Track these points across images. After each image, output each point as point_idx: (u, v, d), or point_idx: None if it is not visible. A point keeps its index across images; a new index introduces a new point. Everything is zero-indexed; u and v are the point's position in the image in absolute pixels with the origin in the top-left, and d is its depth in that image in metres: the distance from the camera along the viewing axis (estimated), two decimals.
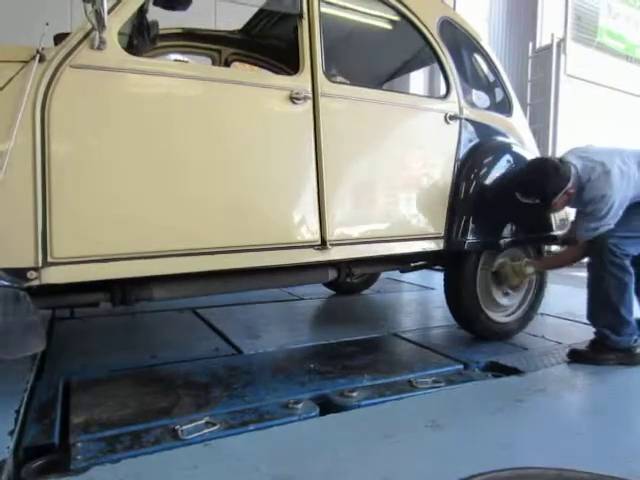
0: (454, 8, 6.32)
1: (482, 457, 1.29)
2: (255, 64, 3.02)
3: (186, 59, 2.82)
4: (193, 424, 1.42)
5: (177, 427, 1.39)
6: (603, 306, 2.15)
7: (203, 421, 1.44)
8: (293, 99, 1.85)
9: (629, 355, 2.13)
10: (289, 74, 1.98)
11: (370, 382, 1.83)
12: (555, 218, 2.61)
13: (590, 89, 8.04)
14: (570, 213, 2.62)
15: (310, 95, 1.89)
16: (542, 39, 7.87)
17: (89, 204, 1.49)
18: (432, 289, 3.81)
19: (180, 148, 1.65)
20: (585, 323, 2.33)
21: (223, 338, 2.40)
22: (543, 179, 2.15)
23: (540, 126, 7.42)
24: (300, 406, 1.57)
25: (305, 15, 1.92)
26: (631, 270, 2.13)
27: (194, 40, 2.86)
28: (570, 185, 2.13)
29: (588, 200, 2.14)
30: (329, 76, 1.98)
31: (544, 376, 1.98)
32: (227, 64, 2.96)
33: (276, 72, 2.93)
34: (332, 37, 2.17)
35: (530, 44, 7.76)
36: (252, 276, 1.94)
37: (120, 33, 1.60)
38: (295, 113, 1.87)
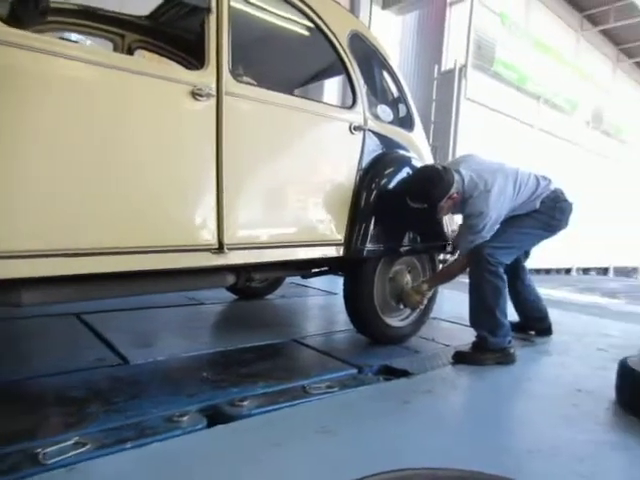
0: (369, 27, 6.53)
1: (369, 460, 1.31)
2: (160, 54, 2.86)
3: (89, 41, 2.60)
4: (58, 446, 1.27)
5: (39, 451, 1.23)
6: (482, 310, 2.33)
7: (71, 442, 1.29)
8: (196, 95, 1.76)
9: (505, 355, 2.31)
10: (194, 68, 1.89)
11: (263, 390, 1.79)
12: (448, 229, 2.78)
13: (486, 113, 8.77)
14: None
15: (214, 92, 1.81)
16: (447, 63, 8.44)
17: None
18: (336, 294, 3.87)
19: (65, 139, 1.48)
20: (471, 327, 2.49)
21: (109, 347, 2.21)
22: (429, 185, 2.29)
23: (442, 143, 7.93)
24: (186, 419, 1.48)
25: (214, 10, 1.84)
26: (505, 277, 2.34)
27: (95, 20, 2.63)
28: (453, 191, 2.30)
29: (468, 214, 2.33)
30: (235, 75, 1.92)
31: (431, 377, 2.07)
32: (130, 51, 2.78)
33: (182, 64, 2.80)
34: (242, 36, 2.11)
35: (436, 67, 8.28)
36: (143, 280, 1.82)
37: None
38: (197, 110, 1.78)
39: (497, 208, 2.30)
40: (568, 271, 11.72)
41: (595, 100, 11.96)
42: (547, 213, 2.43)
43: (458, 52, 8.38)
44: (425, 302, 2.62)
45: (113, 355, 2.12)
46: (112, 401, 1.62)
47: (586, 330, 3.19)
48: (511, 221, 2.42)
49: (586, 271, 12.59)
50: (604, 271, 13.52)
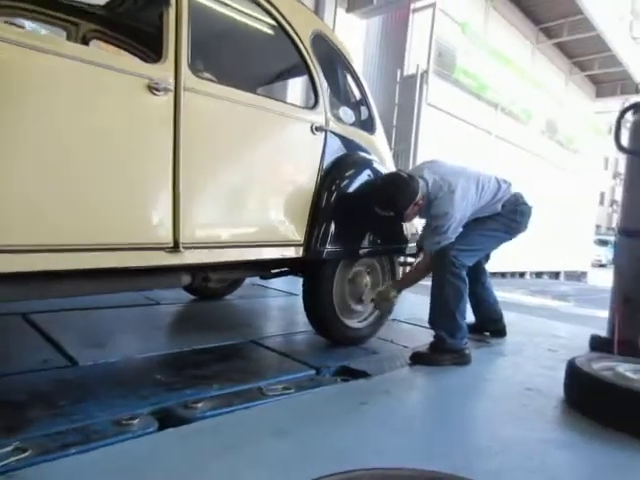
0: (333, 30, 6.56)
1: (324, 461, 1.30)
2: (117, 45, 2.77)
3: (43, 31, 2.49)
4: None
5: None
6: (442, 312, 2.37)
7: (11, 447, 1.22)
8: (152, 89, 1.70)
9: (461, 355, 2.36)
10: (152, 62, 1.83)
11: (218, 392, 1.76)
12: (408, 231, 2.82)
13: (447, 119, 8.98)
14: (419, 226, 2.86)
15: (172, 87, 1.76)
16: (409, 68, 8.59)
17: None
18: (296, 295, 3.85)
19: (9, 131, 1.40)
20: (429, 328, 2.52)
21: (56, 348, 2.12)
22: (395, 195, 2.32)
23: (404, 147, 8.06)
24: (136, 422, 1.43)
25: (172, 2, 1.80)
26: (467, 280, 2.39)
27: (48, 7, 2.52)
28: (419, 197, 2.34)
29: (433, 215, 2.36)
30: (195, 70, 1.88)
31: (389, 378, 2.09)
32: (85, 41, 2.67)
33: (139, 57, 2.72)
34: (203, 31, 2.07)
35: (398, 71, 8.41)
36: (95, 279, 1.75)
37: None
38: (153, 104, 1.73)
39: (461, 209, 2.34)
40: (522, 275, 12.15)
41: (549, 111, 12.46)
42: (508, 216, 2.50)
43: (420, 58, 8.54)
44: (396, 302, 2.65)
45: (61, 356, 2.03)
46: (57, 404, 1.55)
47: (538, 331, 3.30)
48: (474, 224, 2.48)
49: (539, 275, 13.10)
50: (556, 275, 14.10)
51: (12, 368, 1.84)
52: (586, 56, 13.98)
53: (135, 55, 2.81)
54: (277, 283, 4.29)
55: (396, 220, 2.56)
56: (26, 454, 1.22)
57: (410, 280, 2.63)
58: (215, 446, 1.37)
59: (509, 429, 1.64)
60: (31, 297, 1.69)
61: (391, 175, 2.49)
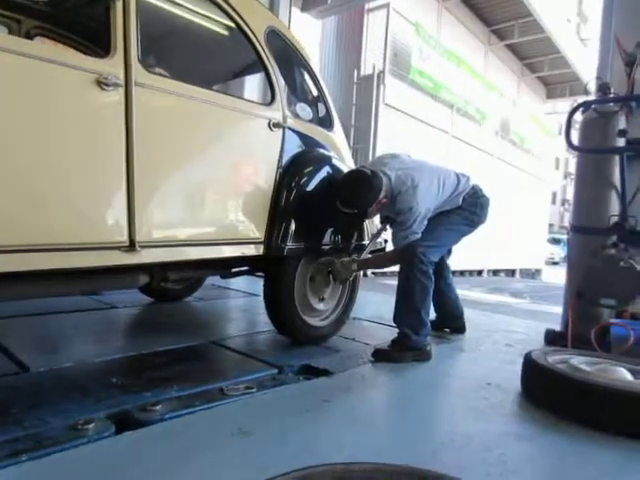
0: (288, 28, 6.56)
1: (287, 459, 1.29)
2: (62, 42, 2.67)
3: None
4: None
5: None
6: (408, 308, 2.39)
7: None
8: (102, 84, 1.65)
9: (422, 352, 2.39)
10: (99, 57, 1.78)
11: (178, 393, 1.72)
12: (368, 230, 2.85)
13: (404, 118, 9.13)
14: (378, 226, 2.90)
15: (122, 82, 1.71)
16: (366, 68, 8.69)
17: None
18: (258, 295, 3.81)
19: None
20: (391, 325, 2.53)
21: (6, 354, 2.02)
22: (359, 193, 2.33)
23: (362, 146, 8.14)
24: (92, 426, 1.38)
25: None
26: (433, 278, 2.42)
27: None
28: (382, 195, 2.36)
29: (398, 210, 2.38)
30: (146, 65, 1.83)
31: (351, 376, 2.09)
32: (29, 38, 2.56)
33: (86, 54, 2.63)
34: (153, 26, 2.03)
35: (355, 71, 8.49)
36: (46, 281, 1.67)
37: None
38: (103, 100, 1.67)
39: (425, 202, 2.37)
40: (480, 273, 12.49)
41: (502, 111, 12.88)
42: (469, 209, 2.56)
43: (376, 58, 8.66)
44: (351, 278, 2.66)
45: (11, 363, 1.94)
46: (8, 412, 1.48)
47: (496, 327, 3.39)
48: (438, 219, 2.52)
49: (496, 273, 13.49)
50: (512, 273, 14.55)
51: None
52: (536, 58, 14.56)
53: (81, 52, 2.72)
54: (237, 283, 4.25)
55: (357, 217, 2.58)
56: None
57: (373, 263, 2.65)
58: (176, 448, 1.34)
59: (470, 423, 1.66)
60: None
61: (354, 173, 2.46)
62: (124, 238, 1.73)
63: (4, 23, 2.52)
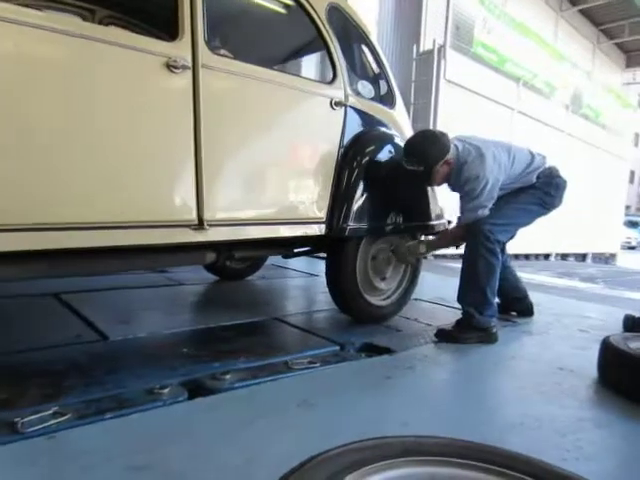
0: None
1: (349, 431, 1.31)
2: (132, 30, 2.77)
3: None
4: (37, 415, 1.26)
5: (17, 420, 1.22)
6: (472, 286, 2.33)
7: (50, 411, 1.28)
8: (171, 67, 1.71)
9: (487, 334, 2.32)
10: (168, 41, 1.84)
11: (245, 364, 1.79)
12: (433, 209, 2.78)
13: (466, 95, 8.76)
14: (444, 208, 2.83)
15: (190, 65, 1.77)
16: (425, 44, 8.38)
17: None
18: (317, 276, 3.88)
19: (33, 111, 1.43)
20: (453, 307, 2.50)
21: (87, 324, 2.18)
22: (427, 146, 2.31)
23: (422, 125, 7.91)
24: (167, 391, 1.48)
25: None
26: (500, 256, 2.34)
27: None
28: (450, 156, 2.31)
29: (464, 180, 2.32)
30: (212, 47, 1.88)
31: (413, 355, 2.09)
32: None
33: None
34: (218, 8, 2.06)
35: (414, 47, 8.21)
36: (120, 256, 1.78)
37: None
38: (173, 82, 1.74)
39: (493, 172, 2.29)
40: (547, 257, 11.91)
41: (573, 83, 12.04)
42: (542, 189, 2.44)
43: (437, 32, 8.33)
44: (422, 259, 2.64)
45: (92, 332, 2.09)
46: (91, 374, 1.61)
47: (566, 312, 3.24)
48: (508, 197, 2.43)
49: (564, 257, 12.80)
50: (582, 257, 13.72)
51: (48, 342, 1.91)
52: (615, 22, 13.35)
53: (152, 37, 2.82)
54: (297, 264, 4.32)
55: (420, 196, 2.52)
56: (65, 417, 1.27)
57: (440, 243, 2.61)
58: (243, 414, 1.40)
59: (541, 407, 1.61)
60: (62, 274, 1.73)
61: (422, 130, 2.51)
62: (193, 217, 1.81)
63: (79, 13, 2.66)
